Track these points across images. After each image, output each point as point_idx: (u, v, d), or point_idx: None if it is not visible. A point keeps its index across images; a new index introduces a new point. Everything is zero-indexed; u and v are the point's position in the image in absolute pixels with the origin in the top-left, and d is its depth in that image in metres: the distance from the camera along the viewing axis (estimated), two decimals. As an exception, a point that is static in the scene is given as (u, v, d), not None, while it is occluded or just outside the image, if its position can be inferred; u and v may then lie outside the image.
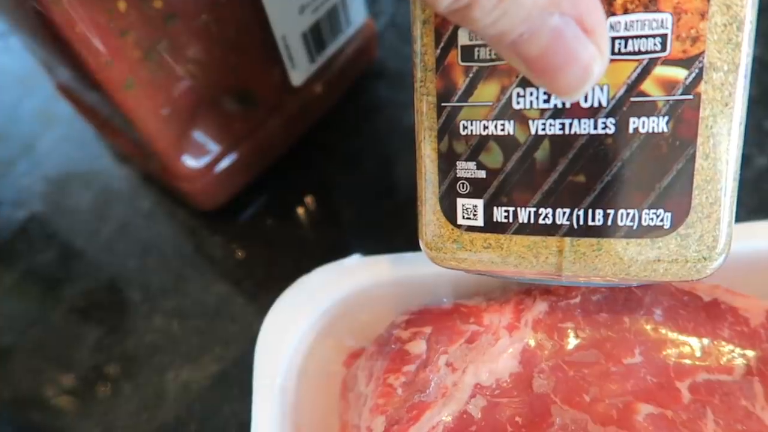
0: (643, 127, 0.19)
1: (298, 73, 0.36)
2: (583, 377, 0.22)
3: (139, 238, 0.39)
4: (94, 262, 0.39)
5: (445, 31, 0.20)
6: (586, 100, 0.19)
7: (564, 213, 0.20)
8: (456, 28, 0.19)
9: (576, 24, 0.15)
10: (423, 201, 0.22)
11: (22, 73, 0.47)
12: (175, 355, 0.34)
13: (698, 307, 0.24)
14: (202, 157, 0.35)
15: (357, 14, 0.37)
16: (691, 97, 0.18)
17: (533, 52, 0.15)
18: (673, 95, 0.18)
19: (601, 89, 0.19)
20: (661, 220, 0.19)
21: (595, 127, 0.19)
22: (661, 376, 0.22)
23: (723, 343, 0.23)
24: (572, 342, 0.23)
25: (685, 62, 0.18)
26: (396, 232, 0.35)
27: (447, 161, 0.21)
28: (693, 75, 0.18)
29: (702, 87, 0.18)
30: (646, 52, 0.18)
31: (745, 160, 0.34)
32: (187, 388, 0.34)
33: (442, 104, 0.20)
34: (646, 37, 0.18)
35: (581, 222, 0.20)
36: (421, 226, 0.22)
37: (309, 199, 0.39)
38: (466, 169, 0.21)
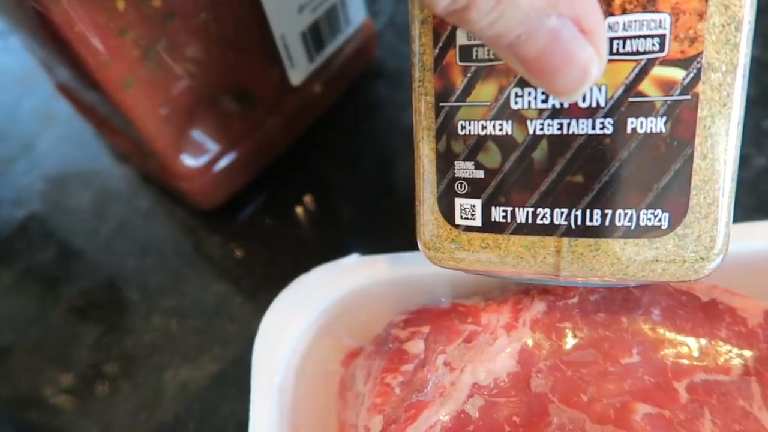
0: (641, 127, 0.19)
1: (297, 73, 0.36)
2: (580, 377, 0.22)
3: (137, 238, 0.39)
4: (92, 262, 0.39)
5: (443, 31, 0.20)
6: (584, 101, 0.19)
7: (562, 213, 0.20)
8: (454, 28, 0.19)
9: (573, 25, 0.15)
10: (421, 201, 0.22)
11: (22, 72, 0.47)
12: (173, 354, 0.35)
13: (696, 307, 0.24)
14: (201, 156, 0.35)
15: (356, 14, 0.37)
16: (689, 97, 0.18)
17: (531, 54, 0.15)
18: (671, 95, 0.18)
19: (599, 89, 0.19)
20: (659, 221, 0.19)
21: (593, 128, 0.19)
22: (658, 376, 0.22)
23: (721, 343, 0.23)
24: (570, 342, 0.23)
25: (683, 63, 0.18)
26: (395, 232, 0.35)
27: (445, 161, 0.21)
28: (691, 75, 0.18)
29: (700, 87, 0.18)
30: (645, 53, 0.18)
31: (744, 161, 0.34)
32: (185, 387, 0.34)
33: (441, 104, 0.20)
34: (645, 37, 0.18)
35: (579, 222, 0.20)
36: (420, 225, 0.22)
37: (308, 199, 0.39)
38: (464, 169, 0.21)
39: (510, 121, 0.20)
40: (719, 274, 0.20)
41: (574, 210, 0.20)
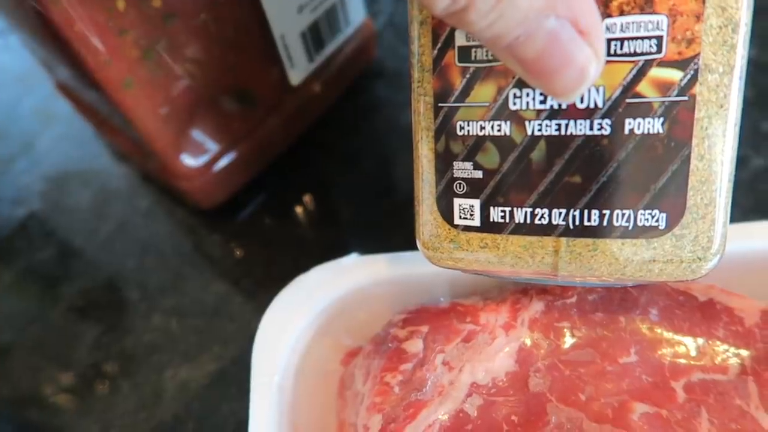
0: (639, 128, 0.19)
1: (297, 73, 0.36)
2: (578, 376, 0.22)
3: (137, 237, 0.39)
4: (92, 261, 0.39)
5: (442, 31, 0.20)
6: (582, 101, 0.19)
7: (560, 213, 0.20)
8: (453, 29, 0.20)
9: (571, 26, 0.15)
10: (420, 201, 0.22)
11: (22, 71, 0.47)
12: (173, 353, 0.35)
13: (693, 307, 0.24)
14: (201, 156, 0.35)
15: (356, 14, 0.37)
16: (686, 98, 0.18)
17: (529, 55, 0.15)
18: (669, 97, 0.18)
19: (597, 90, 0.19)
20: (657, 221, 0.19)
21: (591, 128, 0.19)
22: (656, 375, 0.22)
23: (718, 342, 0.23)
24: (568, 341, 0.23)
25: (681, 64, 0.18)
26: (394, 232, 0.36)
27: (444, 161, 0.21)
28: (688, 77, 0.18)
29: (697, 88, 0.18)
30: (642, 54, 0.18)
31: (741, 161, 0.34)
32: (185, 386, 0.34)
33: (439, 104, 0.20)
34: (642, 38, 0.18)
35: (577, 222, 0.20)
36: (418, 225, 0.22)
37: (308, 198, 0.39)
38: (462, 169, 0.21)
39: (508, 122, 0.20)
40: (716, 274, 0.20)
41: (572, 210, 0.20)
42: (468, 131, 0.20)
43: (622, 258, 0.20)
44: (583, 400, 0.22)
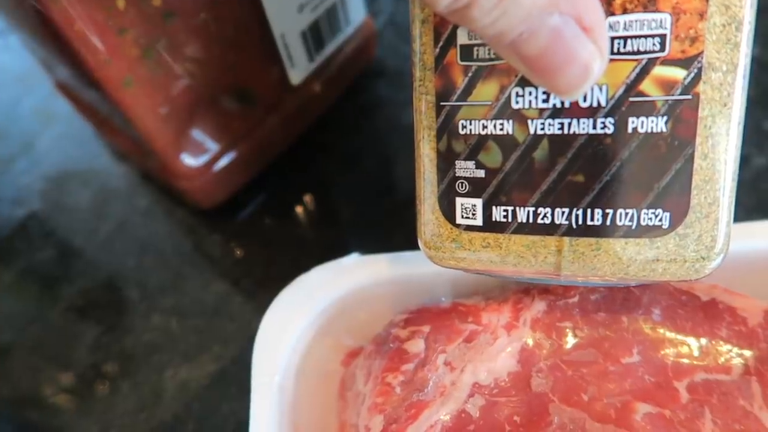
0: (642, 127, 0.19)
1: (297, 72, 0.36)
2: (581, 376, 0.22)
3: (137, 237, 0.39)
4: (92, 261, 0.39)
5: (444, 30, 0.20)
6: (585, 100, 0.19)
7: (563, 212, 0.20)
8: (455, 28, 0.19)
9: (575, 23, 0.15)
10: (422, 200, 0.22)
11: (21, 71, 0.47)
12: (173, 353, 0.34)
13: (696, 307, 0.24)
14: (201, 155, 0.35)
15: (356, 13, 0.37)
16: (689, 97, 0.18)
17: (533, 52, 0.15)
18: (672, 95, 0.18)
19: (600, 89, 0.19)
20: (660, 220, 0.19)
21: (594, 127, 0.19)
22: (659, 375, 0.22)
23: (721, 342, 0.23)
24: (570, 341, 0.23)
25: (684, 62, 0.18)
26: (395, 231, 0.35)
27: (446, 160, 0.21)
28: (692, 75, 0.18)
29: (701, 87, 0.18)
30: (645, 52, 0.18)
31: (744, 160, 0.34)
32: (185, 386, 0.33)
33: (441, 103, 0.20)
34: (645, 37, 0.18)
35: (580, 222, 0.20)
36: (420, 225, 0.22)
37: (308, 198, 0.39)
38: (465, 168, 0.21)
39: (511, 121, 0.20)
40: (719, 273, 0.20)
41: (575, 209, 0.20)
42: (470, 130, 0.20)
43: (626, 257, 0.20)
44: (585, 400, 0.22)
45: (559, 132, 0.19)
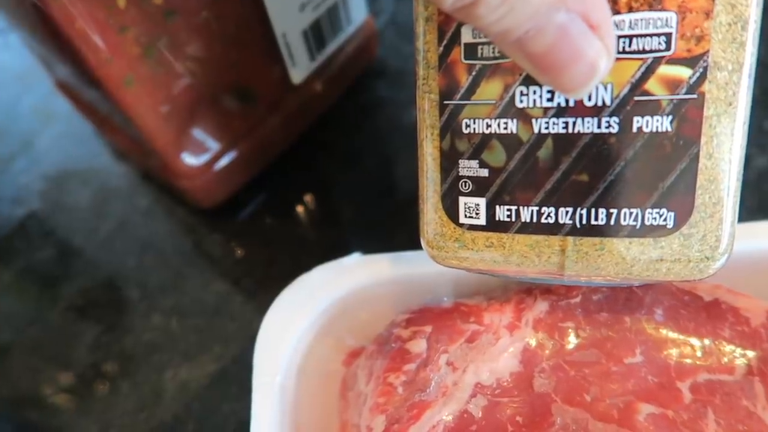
0: (647, 126, 0.18)
1: (299, 71, 0.36)
2: (583, 377, 0.22)
3: (137, 236, 0.39)
4: (92, 260, 0.38)
5: (448, 28, 0.19)
6: (589, 99, 0.19)
7: (567, 212, 0.20)
8: (459, 26, 0.19)
9: (582, 20, 0.15)
10: (425, 199, 0.22)
11: (21, 70, 0.47)
12: (173, 353, 0.34)
13: (699, 307, 0.24)
14: (202, 154, 0.35)
15: (357, 12, 0.37)
16: (695, 96, 0.18)
17: (539, 49, 0.15)
18: (677, 94, 0.18)
19: (605, 88, 0.18)
20: (664, 220, 0.19)
21: (599, 126, 0.19)
22: (662, 375, 0.22)
23: (724, 343, 0.23)
24: (573, 341, 0.23)
25: (690, 61, 0.18)
26: (397, 231, 0.35)
27: (449, 159, 0.21)
28: (697, 74, 0.18)
29: (706, 86, 0.18)
30: (651, 51, 0.18)
31: (746, 161, 0.34)
32: (185, 386, 0.33)
33: (445, 102, 0.20)
34: (651, 35, 0.18)
35: (584, 221, 0.20)
36: (423, 224, 0.22)
37: (309, 198, 0.39)
38: (468, 167, 0.21)
39: (515, 120, 0.20)
40: (722, 273, 0.20)
41: (579, 209, 0.20)
42: (474, 129, 0.20)
43: (630, 257, 0.20)
44: (588, 400, 0.22)
45: (564, 131, 0.19)
